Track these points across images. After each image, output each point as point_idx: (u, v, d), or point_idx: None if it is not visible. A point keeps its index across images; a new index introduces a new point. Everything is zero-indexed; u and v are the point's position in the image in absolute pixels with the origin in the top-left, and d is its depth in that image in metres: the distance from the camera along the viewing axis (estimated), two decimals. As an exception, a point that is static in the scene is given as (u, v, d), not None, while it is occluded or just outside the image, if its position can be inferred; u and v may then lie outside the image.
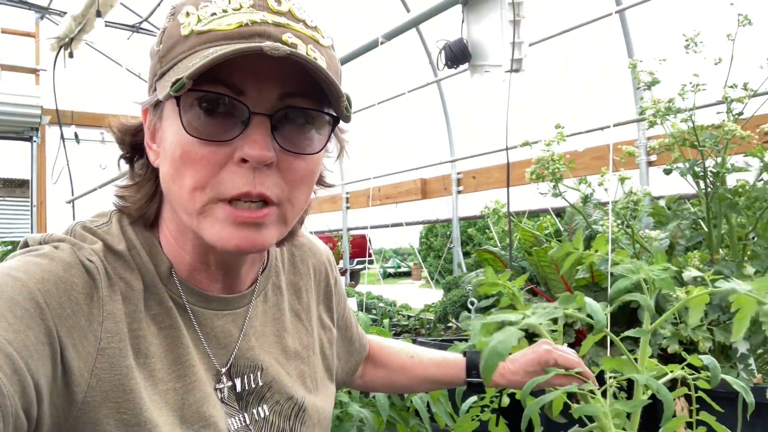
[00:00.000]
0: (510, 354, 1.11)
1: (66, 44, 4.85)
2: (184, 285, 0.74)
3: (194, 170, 0.64)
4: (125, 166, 0.78)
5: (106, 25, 4.49)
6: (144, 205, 0.73)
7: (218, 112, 0.63)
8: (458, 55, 1.75)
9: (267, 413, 0.79)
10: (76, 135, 5.52)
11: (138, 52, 5.98)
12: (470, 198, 4.14)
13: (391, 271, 21.10)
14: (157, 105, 0.69)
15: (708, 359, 0.83)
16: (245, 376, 0.78)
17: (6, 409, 0.54)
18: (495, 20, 1.62)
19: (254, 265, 0.82)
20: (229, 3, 0.64)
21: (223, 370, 0.77)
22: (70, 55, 4.93)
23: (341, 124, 0.72)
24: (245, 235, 0.66)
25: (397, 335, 3.26)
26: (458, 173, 4.17)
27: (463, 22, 1.75)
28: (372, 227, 4.58)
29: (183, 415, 0.69)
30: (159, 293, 0.72)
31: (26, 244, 0.70)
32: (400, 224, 4.45)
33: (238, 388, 0.78)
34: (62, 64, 4.97)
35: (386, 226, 4.03)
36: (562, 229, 2.77)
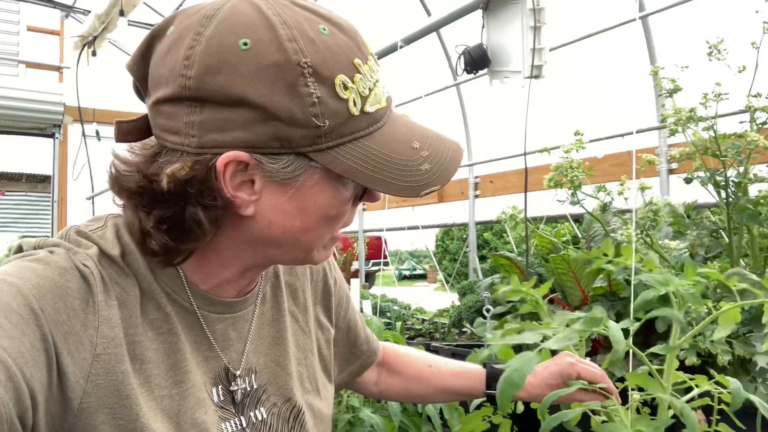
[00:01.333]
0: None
1: (89, 43, 4.91)
2: (193, 289, 0.74)
3: (341, 223, 0.75)
4: None
5: (129, 25, 4.53)
6: (190, 254, 0.72)
7: None
8: (477, 60, 1.74)
9: (265, 416, 0.79)
10: (97, 132, 5.59)
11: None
12: (487, 202, 4.12)
13: (407, 273, 21.08)
14: (290, 170, 0.67)
15: (733, 382, 0.82)
16: (240, 379, 0.79)
17: (0, 416, 0.54)
18: (515, 26, 1.61)
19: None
20: (372, 73, 0.68)
21: (220, 371, 0.77)
22: (93, 54, 5.00)
23: None
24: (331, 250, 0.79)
25: (410, 339, 3.25)
26: (475, 177, 4.15)
27: (483, 27, 1.75)
28: (388, 229, 4.59)
29: (178, 421, 0.69)
30: (157, 298, 0.72)
31: (21, 249, 0.70)
32: (416, 227, 4.44)
33: (235, 391, 0.78)
34: (85, 63, 5.03)
35: (402, 228, 4.03)
36: (580, 236, 2.74)
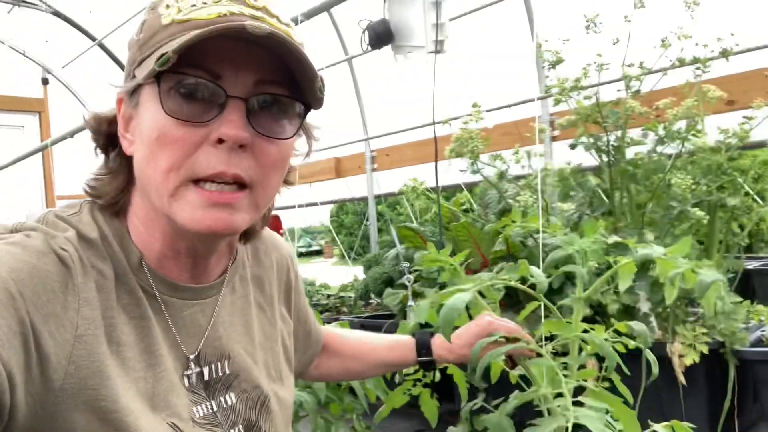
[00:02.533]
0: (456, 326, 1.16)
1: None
2: (154, 274, 0.74)
3: (170, 151, 0.66)
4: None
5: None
6: (116, 195, 0.74)
7: (196, 95, 0.66)
8: (382, 35, 1.76)
9: (234, 401, 0.80)
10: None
11: (22, 27, 5.51)
12: (385, 175, 4.20)
13: (302, 250, 21.02)
14: (134, 93, 0.69)
15: (638, 325, 0.91)
16: (213, 365, 0.79)
17: None
18: (417, 1, 1.64)
19: (223, 255, 0.82)
20: None
21: (192, 356, 0.77)
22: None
23: (312, 126, 0.78)
24: (217, 216, 0.67)
25: (318, 314, 3.28)
26: (372, 151, 4.21)
27: (384, 2, 1.76)
28: (285, 208, 4.55)
29: (153, 403, 0.70)
30: (129, 283, 0.72)
31: None
32: (314, 204, 4.44)
33: (206, 376, 0.78)
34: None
35: (302, 205, 4.02)
36: (475, 205, 2.87)
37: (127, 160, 0.73)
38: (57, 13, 5.44)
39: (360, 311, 3.29)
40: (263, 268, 0.92)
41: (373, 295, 3.14)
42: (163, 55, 0.62)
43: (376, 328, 2.71)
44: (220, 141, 0.66)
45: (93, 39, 5.58)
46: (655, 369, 0.92)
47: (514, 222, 1.22)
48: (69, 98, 6.27)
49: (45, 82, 5.91)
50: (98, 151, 0.77)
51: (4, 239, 0.66)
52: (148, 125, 0.67)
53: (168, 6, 0.67)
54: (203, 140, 0.66)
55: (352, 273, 3.87)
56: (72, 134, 4.10)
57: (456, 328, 1.09)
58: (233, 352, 0.81)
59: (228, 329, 0.82)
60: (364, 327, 2.83)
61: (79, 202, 0.75)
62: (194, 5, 0.66)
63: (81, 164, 0.81)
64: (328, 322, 1.94)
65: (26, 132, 6.15)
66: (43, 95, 6.02)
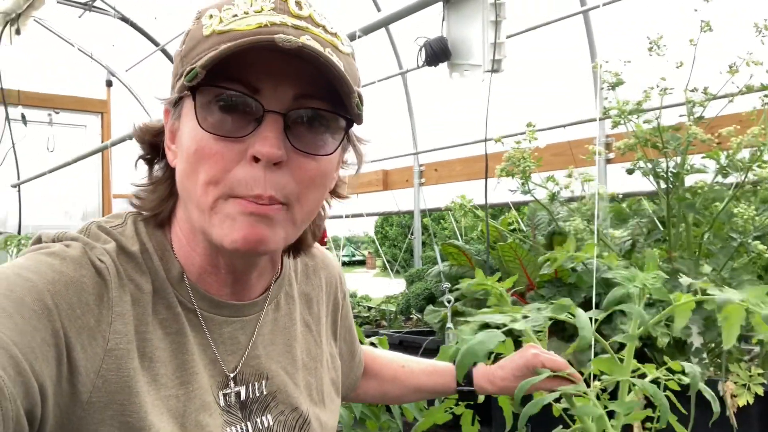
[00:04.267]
0: (490, 357, 1.12)
1: (12, 20, 4.63)
2: (195, 290, 0.73)
3: (208, 166, 0.65)
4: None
5: (59, 2, 4.30)
6: (158, 206, 0.74)
7: (233, 109, 0.65)
8: (438, 52, 1.75)
9: (271, 423, 0.78)
10: (23, 116, 5.29)
11: (91, 30, 5.75)
12: (432, 190, 4.18)
13: (345, 259, 21.13)
14: (176, 105, 0.70)
15: (690, 368, 0.87)
16: (250, 385, 0.78)
17: (7, 412, 0.53)
18: (476, 20, 1.63)
19: (265, 272, 0.81)
20: (251, 6, 0.65)
21: (231, 375, 0.76)
22: (17, 32, 4.71)
23: (362, 134, 0.76)
24: (253, 228, 0.65)
25: (358, 327, 3.27)
26: (420, 166, 4.20)
27: (443, 20, 1.76)
28: (331, 217, 4.58)
29: (183, 422, 0.69)
30: (168, 298, 0.71)
31: (39, 240, 0.70)
32: (360, 215, 4.45)
33: (243, 396, 0.77)
34: (8, 41, 4.74)
35: (348, 216, 4.04)
36: (523, 225, 2.82)
37: (171, 172, 0.73)
38: (124, 19, 5.65)
39: (400, 326, 3.28)
40: (312, 286, 0.90)
41: (414, 311, 3.12)
42: (192, 69, 0.61)
43: (416, 345, 2.68)
44: (256, 158, 0.64)
45: (156, 44, 5.77)
46: (716, 406, 0.87)
47: (567, 252, 1.18)
48: (130, 100, 6.49)
49: (109, 84, 6.14)
50: (141, 162, 0.77)
51: (45, 249, 0.66)
52: (187, 138, 0.67)
53: (211, 16, 0.66)
54: (241, 156, 0.65)
55: (394, 285, 3.86)
56: (131, 136, 4.24)
57: (499, 356, 1.06)
58: (271, 371, 0.80)
59: (267, 348, 0.80)
60: (402, 342, 2.81)
61: (124, 213, 0.75)
62: (236, 15, 0.65)
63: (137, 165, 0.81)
64: (368, 336, 1.94)
65: (89, 132, 6.38)
66: (106, 97, 6.25)
